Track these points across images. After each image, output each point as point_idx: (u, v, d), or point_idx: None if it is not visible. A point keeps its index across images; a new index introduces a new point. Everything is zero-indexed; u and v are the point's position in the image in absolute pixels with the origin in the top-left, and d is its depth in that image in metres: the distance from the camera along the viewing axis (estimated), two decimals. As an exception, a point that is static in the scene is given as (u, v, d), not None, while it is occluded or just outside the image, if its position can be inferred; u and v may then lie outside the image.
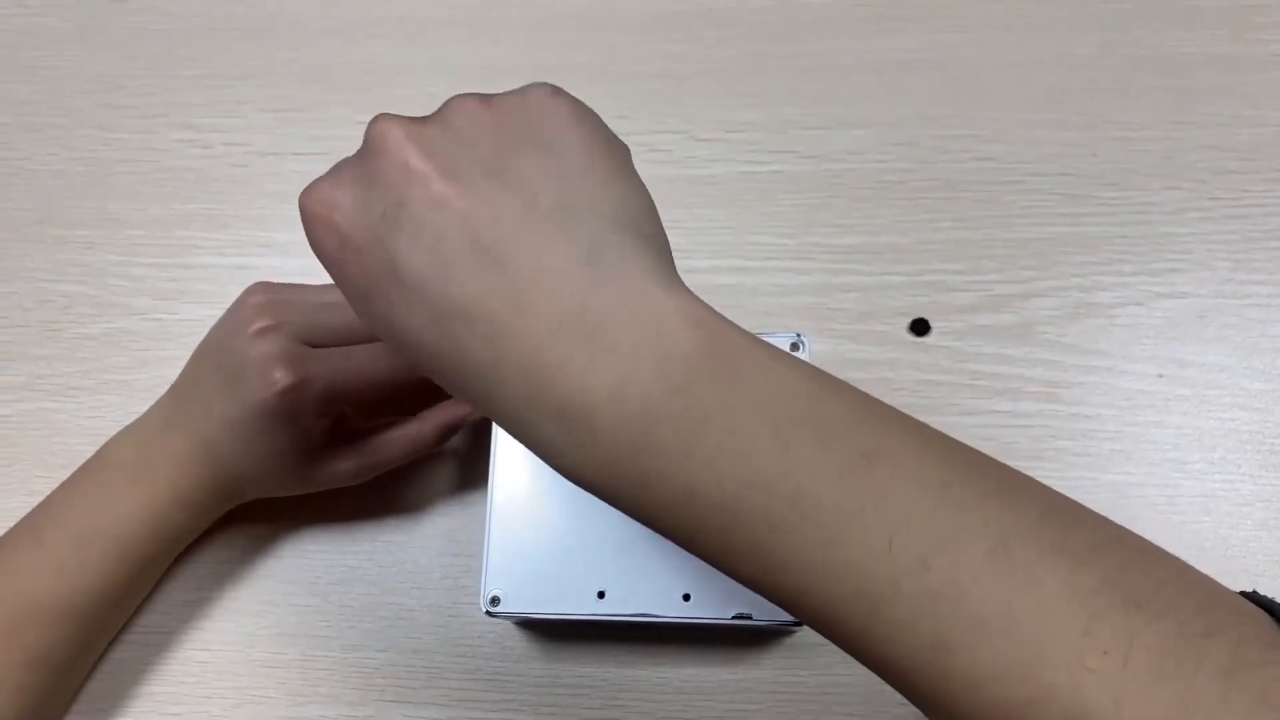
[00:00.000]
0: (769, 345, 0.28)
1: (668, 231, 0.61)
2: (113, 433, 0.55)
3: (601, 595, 0.45)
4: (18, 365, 0.57)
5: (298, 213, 0.32)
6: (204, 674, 0.51)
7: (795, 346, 0.49)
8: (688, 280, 0.56)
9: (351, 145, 0.62)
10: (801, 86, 0.60)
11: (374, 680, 0.50)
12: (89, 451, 0.54)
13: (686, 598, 0.44)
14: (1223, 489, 0.50)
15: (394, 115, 0.31)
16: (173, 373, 0.56)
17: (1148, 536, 0.51)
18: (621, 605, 0.45)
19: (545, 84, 0.32)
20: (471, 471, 0.53)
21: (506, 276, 0.27)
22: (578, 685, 0.50)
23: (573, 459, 0.28)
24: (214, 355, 0.48)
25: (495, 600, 0.45)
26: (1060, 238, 0.56)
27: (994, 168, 0.57)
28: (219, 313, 0.57)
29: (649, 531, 0.45)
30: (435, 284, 0.28)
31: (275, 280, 0.49)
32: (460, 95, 0.31)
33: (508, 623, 0.50)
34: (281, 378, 0.45)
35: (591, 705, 0.49)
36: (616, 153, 0.32)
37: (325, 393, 0.46)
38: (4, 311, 0.58)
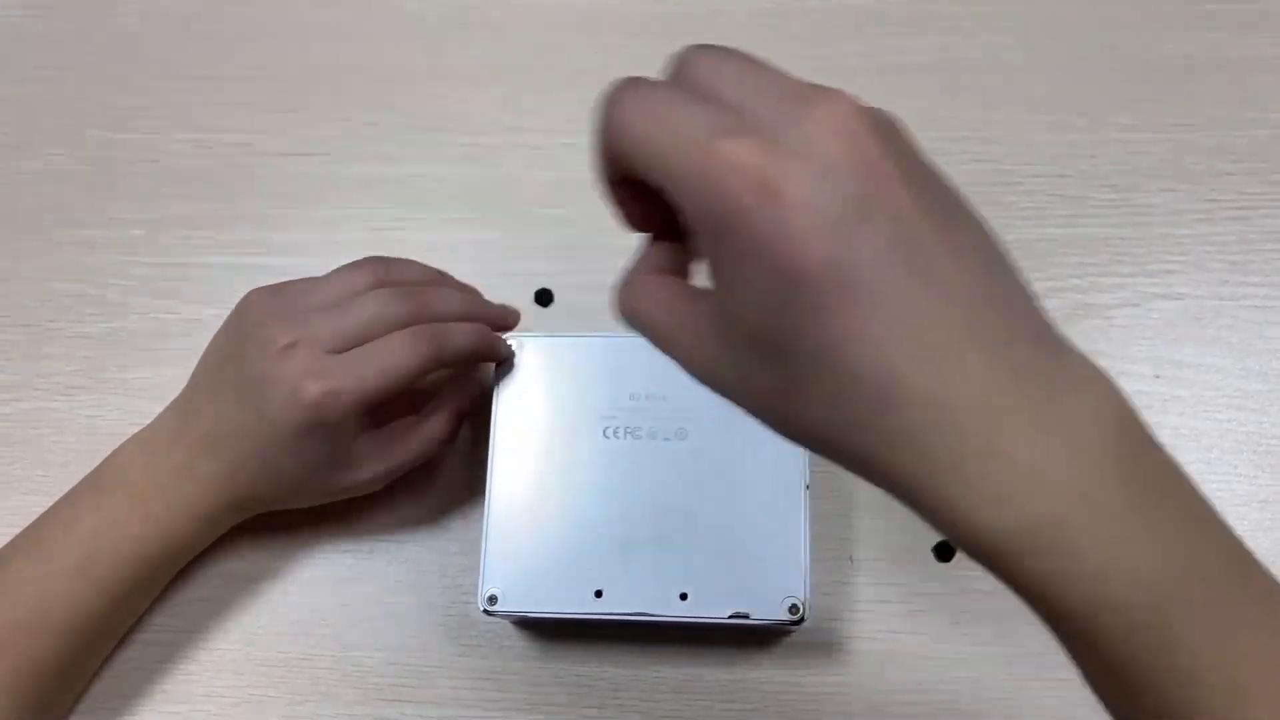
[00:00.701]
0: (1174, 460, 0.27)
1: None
2: (112, 432, 0.55)
3: (599, 594, 0.45)
4: (18, 364, 0.57)
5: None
6: (203, 673, 0.51)
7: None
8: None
9: (351, 146, 0.62)
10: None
11: (371, 679, 0.50)
12: (88, 451, 0.54)
13: (684, 597, 0.45)
14: (1219, 489, 0.50)
15: (838, 92, 0.27)
16: (172, 372, 0.56)
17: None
18: (619, 604, 0.45)
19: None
20: (470, 471, 0.53)
21: (960, 309, 0.25)
22: (575, 684, 0.50)
23: (991, 515, 0.25)
24: (231, 373, 0.47)
25: (493, 599, 0.45)
26: (1059, 239, 0.56)
27: (994, 169, 0.57)
28: (220, 312, 0.57)
29: (646, 531, 0.46)
30: (895, 300, 0.25)
31: (288, 277, 0.50)
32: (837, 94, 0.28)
33: (505, 622, 0.50)
34: (314, 395, 0.44)
35: (589, 704, 0.49)
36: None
37: (355, 402, 0.45)
38: (5, 311, 0.59)
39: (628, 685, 0.50)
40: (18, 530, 0.48)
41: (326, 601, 0.52)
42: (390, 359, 0.46)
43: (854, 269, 0.24)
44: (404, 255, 0.58)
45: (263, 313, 0.47)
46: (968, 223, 0.27)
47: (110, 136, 0.62)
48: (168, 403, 0.55)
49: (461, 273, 0.57)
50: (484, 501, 0.47)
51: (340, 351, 0.46)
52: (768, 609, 0.44)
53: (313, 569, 0.52)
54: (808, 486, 0.46)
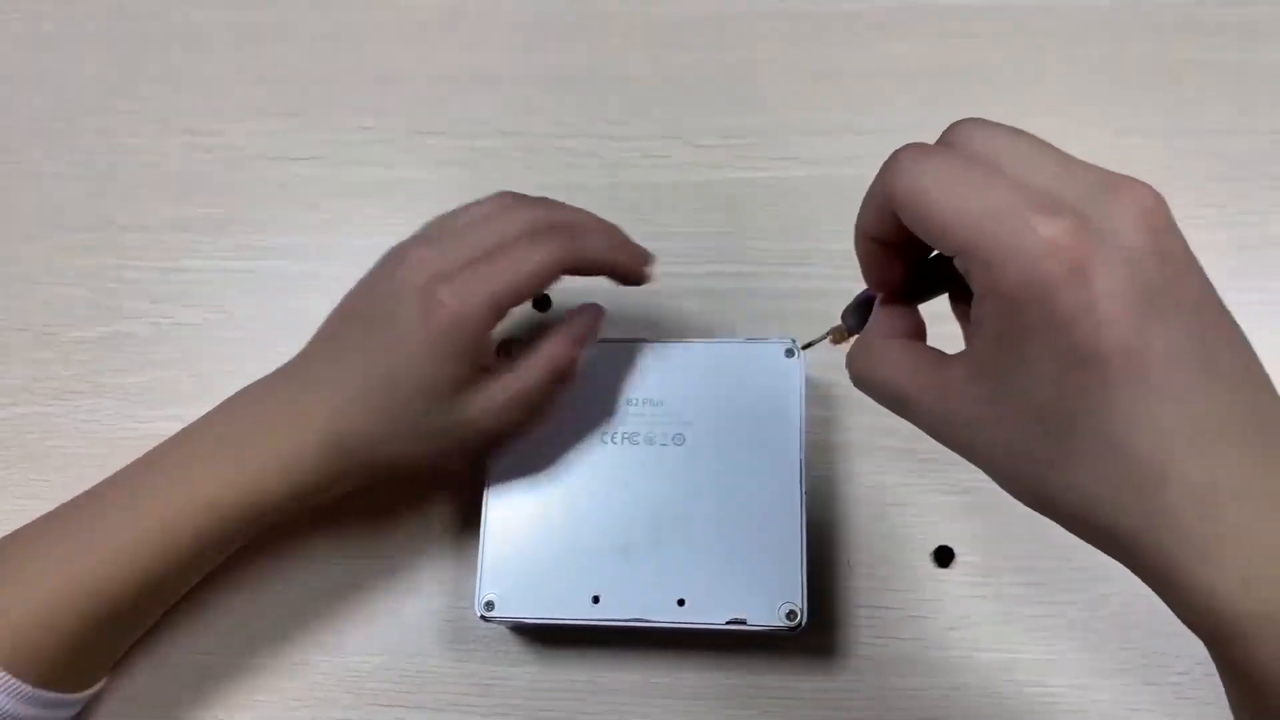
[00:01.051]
0: None
1: (668, 235, 0.61)
2: (108, 436, 0.55)
3: (596, 600, 0.45)
4: (15, 368, 0.57)
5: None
6: (201, 678, 0.51)
7: (790, 352, 0.49)
8: (685, 284, 0.56)
9: (346, 149, 0.62)
10: (802, 93, 0.60)
11: (368, 684, 0.50)
12: (84, 455, 0.54)
13: (681, 603, 0.45)
14: (1218, 496, 0.51)
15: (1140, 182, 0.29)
16: (170, 375, 0.56)
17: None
18: (616, 610, 0.45)
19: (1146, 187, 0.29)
20: (467, 476, 0.53)
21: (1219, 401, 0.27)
22: (572, 690, 0.50)
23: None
24: (361, 302, 0.45)
25: (490, 605, 0.45)
26: (1056, 244, 0.56)
27: (990, 174, 0.57)
28: (216, 316, 0.57)
29: (644, 536, 0.46)
30: (1170, 383, 0.26)
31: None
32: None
33: (502, 627, 0.50)
34: (446, 298, 0.41)
35: (586, 710, 0.49)
36: None
37: (489, 303, 0.42)
38: (1, 314, 0.58)
39: (625, 691, 0.50)
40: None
41: (323, 607, 0.52)
42: (523, 260, 0.43)
43: (1148, 355, 0.26)
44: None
45: (397, 246, 0.45)
46: (1229, 313, 0.29)
47: (106, 140, 0.62)
48: (165, 408, 0.56)
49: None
50: (481, 507, 0.47)
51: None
52: (765, 615, 0.44)
53: (309, 574, 0.52)
54: (805, 493, 0.46)
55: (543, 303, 0.56)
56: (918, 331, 0.35)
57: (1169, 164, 0.57)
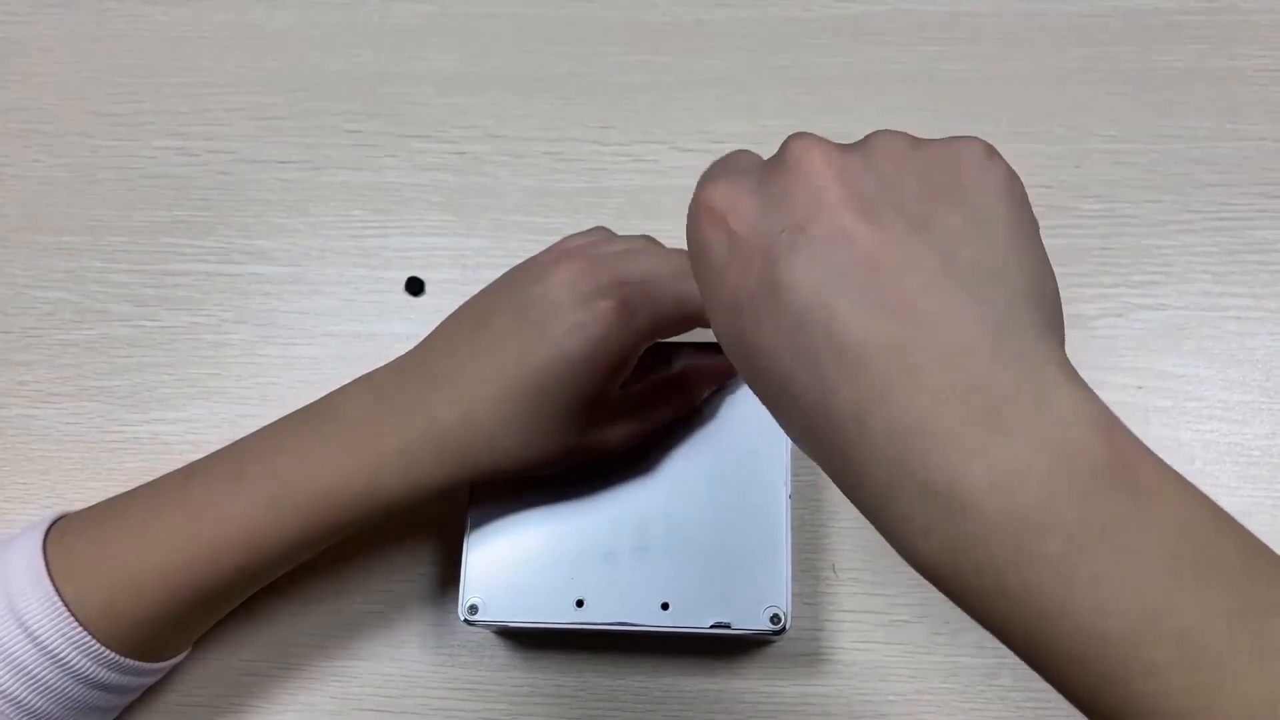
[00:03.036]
0: (1168, 466, 0.26)
1: (664, 241, 0.61)
2: (92, 439, 0.55)
3: (580, 604, 0.45)
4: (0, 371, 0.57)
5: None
6: (184, 683, 0.51)
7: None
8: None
9: (332, 153, 0.62)
10: (787, 98, 0.60)
11: (352, 689, 0.50)
12: (68, 458, 0.54)
13: (665, 606, 0.44)
14: (1202, 500, 0.51)
15: (816, 137, 0.29)
16: (155, 378, 0.56)
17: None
18: (600, 614, 0.45)
19: (980, 141, 0.30)
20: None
21: (903, 329, 0.25)
22: (556, 694, 0.50)
23: (929, 545, 0.25)
24: (502, 298, 0.43)
25: (474, 609, 0.45)
26: (1042, 249, 0.56)
27: (977, 179, 0.57)
28: (201, 319, 0.57)
29: (627, 540, 0.46)
30: (818, 315, 0.26)
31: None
32: (888, 131, 0.30)
33: (486, 631, 0.50)
34: (604, 304, 0.40)
35: (570, 714, 0.49)
36: (1034, 226, 0.30)
37: (651, 326, 0.42)
38: (-15, 317, 0.58)
39: (609, 695, 0.49)
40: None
41: (306, 611, 0.51)
42: (688, 299, 0.42)
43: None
44: (386, 263, 0.58)
45: (538, 260, 0.44)
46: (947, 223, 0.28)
47: (92, 143, 0.62)
48: (149, 410, 0.55)
49: (445, 281, 0.57)
50: (465, 510, 0.47)
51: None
52: (749, 619, 0.44)
53: (292, 578, 0.52)
54: (790, 496, 0.46)
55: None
56: None
57: (1155, 169, 0.57)
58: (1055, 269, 0.55)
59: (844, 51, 0.61)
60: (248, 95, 0.62)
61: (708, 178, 0.31)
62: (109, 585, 0.41)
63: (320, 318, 0.57)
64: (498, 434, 0.42)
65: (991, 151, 0.29)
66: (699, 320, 0.44)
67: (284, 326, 0.57)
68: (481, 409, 0.41)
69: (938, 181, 0.28)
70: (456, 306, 0.45)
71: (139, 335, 0.57)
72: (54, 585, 0.40)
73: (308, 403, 0.44)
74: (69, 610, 0.40)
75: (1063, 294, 0.54)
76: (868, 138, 0.30)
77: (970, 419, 0.24)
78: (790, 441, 0.47)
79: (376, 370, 0.45)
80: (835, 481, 0.28)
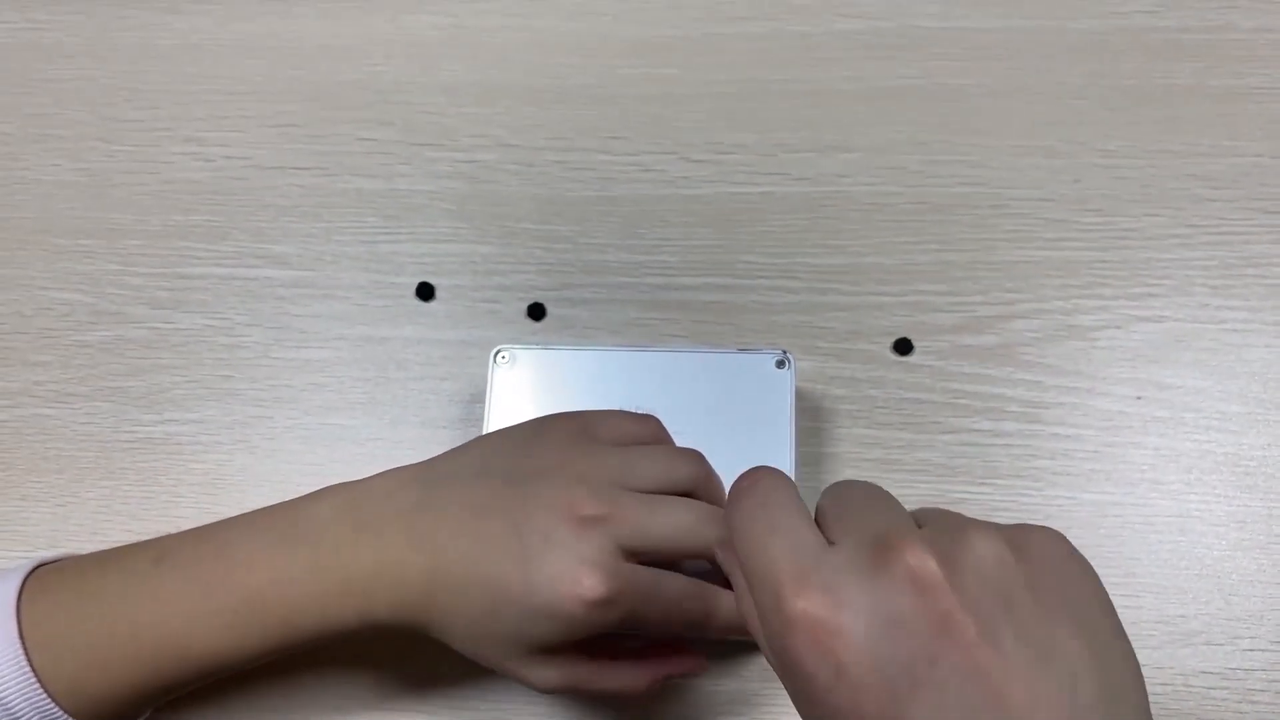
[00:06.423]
0: None
1: (660, 249, 0.62)
2: (106, 440, 0.55)
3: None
4: (15, 371, 0.58)
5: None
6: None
7: (781, 364, 0.50)
8: (677, 295, 0.57)
9: (345, 160, 0.62)
10: (794, 111, 0.61)
11: (344, 688, 0.51)
12: (82, 459, 0.55)
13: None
14: (1198, 509, 0.51)
15: (924, 540, 0.28)
16: (169, 379, 0.57)
17: (1125, 555, 0.52)
18: (606, 614, 0.45)
19: (1050, 530, 0.29)
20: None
21: None
22: (562, 696, 0.50)
23: None
24: (511, 505, 0.40)
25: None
26: (1042, 261, 0.57)
27: (979, 192, 0.58)
28: (215, 322, 0.58)
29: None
30: None
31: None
32: (980, 529, 0.28)
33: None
34: (591, 591, 0.38)
35: (570, 714, 0.50)
36: (1116, 613, 0.29)
37: (622, 619, 0.40)
38: (3, 318, 0.59)
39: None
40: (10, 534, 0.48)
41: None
42: (683, 604, 0.41)
43: None
44: (397, 268, 0.59)
45: (582, 463, 0.42)
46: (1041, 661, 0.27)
47: (110, 148, 0.63)
48: (162, 411, 0.56)
49: (455, 287, 0.58)
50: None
51: (637, 558, 0.40)
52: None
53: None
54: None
55: (537, 311, 0.57)
56: None
57: (1154, 184, 0.58)
58: (1056, 281, 0.56)
59: (851, 66, 0.62)
60: (264, 103, 0.63)
61: (792, 576, 0.29)
62: (79, 664, 0.40)
63: (332, 321, 0.58)
64: (449, 616, 0.41)
65: (1062, 540, 0.29)
66: (713, 635, 0.43)
67: (297, 330, 0.58)
68: (444, 587, 0.40)
69: (1048, 593, 0.27)
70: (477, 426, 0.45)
71: (154, 337, 0.58)
72: (26, 654, 0.40)
73: (285, 500, 0.43)
74: (39, 681, 0.40)
75: (1062, 306, 0.56)
76: (960, 535, 0.28)
77: None
78: (794, 449, 0.48)
79: (365, 489, 0.42)
80: None
